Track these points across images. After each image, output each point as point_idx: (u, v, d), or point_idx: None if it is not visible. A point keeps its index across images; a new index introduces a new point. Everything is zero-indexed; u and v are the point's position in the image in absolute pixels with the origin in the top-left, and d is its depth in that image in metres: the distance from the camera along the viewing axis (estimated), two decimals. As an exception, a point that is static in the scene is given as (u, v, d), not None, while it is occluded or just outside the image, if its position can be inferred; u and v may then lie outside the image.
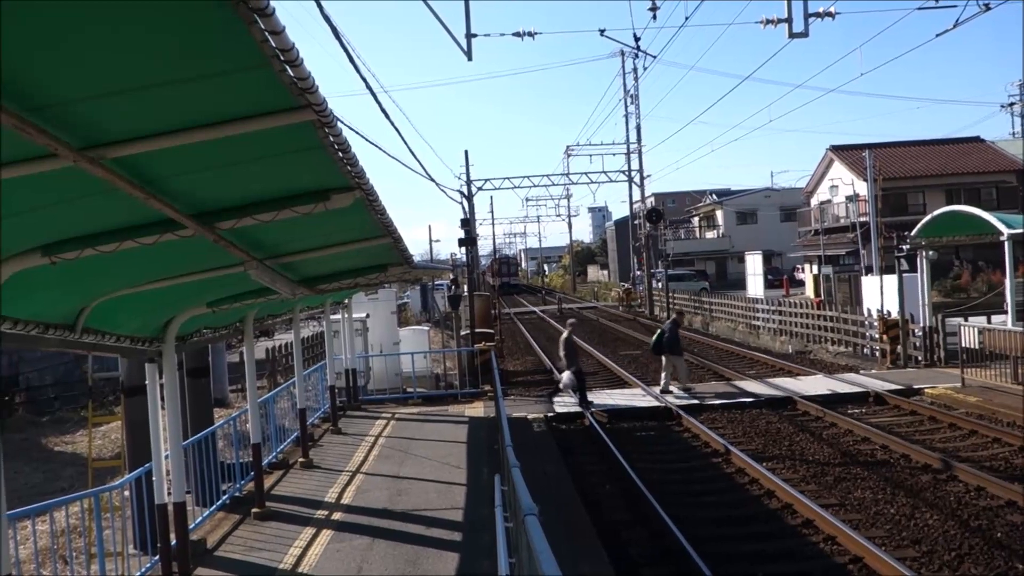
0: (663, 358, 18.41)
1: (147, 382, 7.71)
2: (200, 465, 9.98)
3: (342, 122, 3.56)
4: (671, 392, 17.87)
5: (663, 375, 18.40)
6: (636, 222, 51.66)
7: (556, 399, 18.17)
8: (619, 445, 13.45)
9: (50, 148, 2.88)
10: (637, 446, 14.06)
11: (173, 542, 7.71)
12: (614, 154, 50.21)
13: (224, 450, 11.66)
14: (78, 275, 4.80)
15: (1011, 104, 44.89)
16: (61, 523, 8.44)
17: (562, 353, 17.57)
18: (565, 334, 17.77)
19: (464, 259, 27.88)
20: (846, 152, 46.12)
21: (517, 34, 24.16)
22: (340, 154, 3.85)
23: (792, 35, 17.60)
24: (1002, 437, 12.87)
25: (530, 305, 62.25)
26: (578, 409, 16.83)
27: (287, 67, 2.70)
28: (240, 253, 5.53)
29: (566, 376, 17.28)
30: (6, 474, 4.28)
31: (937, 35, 32.43)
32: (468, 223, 26.29)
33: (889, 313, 21.72)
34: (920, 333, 20.63)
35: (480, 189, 46.45)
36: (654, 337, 18.71)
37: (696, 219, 75.93)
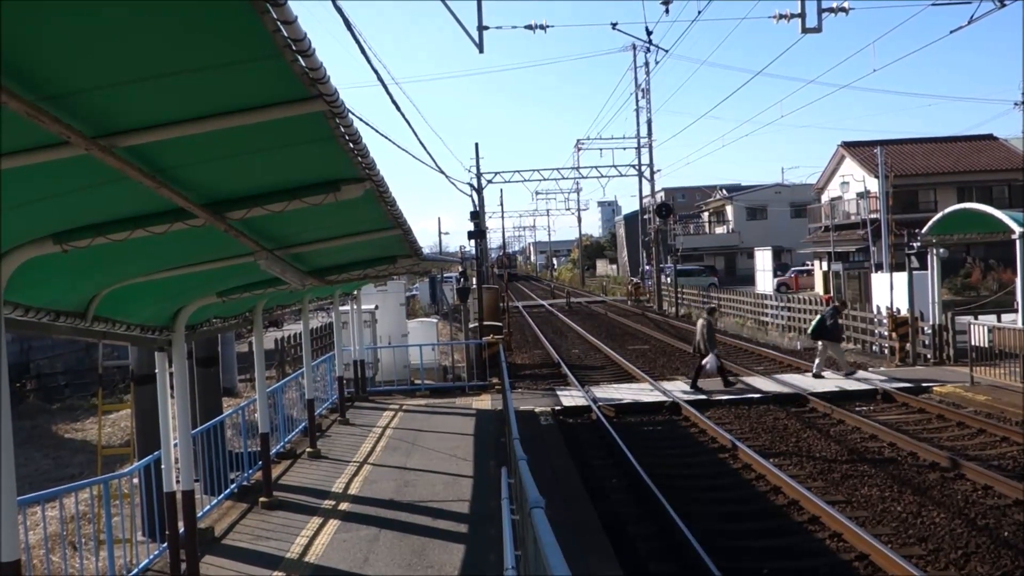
0: (819, 343, 19.08)
1: (157, 371, 7.74)
2: (208, 454, 10.03)
3: (353, 113, 3.56)
4: (823, 377, 18.19)
5: (817, 360, 18.98)
6: (646, 217, 51.53)
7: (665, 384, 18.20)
8: (626, 439, 13.45)
9: (63, 136, 2.89)
10: (644, 441, 14.05)
11: (181, 530, 7.75)
12: (624, 148, 50.13)
13: (232, 439, 11.70)
14: (89, 263, 4.83)
15: (1025, 102, 44.44)
16: (70, 510, 8.48)
17: (700, 337, 18.07)
18: (704, 317, 18.44)
19: (473, 252, 27.89)
20: (858, 148, 45.88)
21: (529, 27, 24.14)
22: (351, 145, 3.85)
23: (805, 30, 17.51)
24: (1010, 436, 12.82)
25: (538, 298, 62.29)
26: (585, 403, 16.83)
27: (299, 57, 2.70)
28: (250, 243, 5.55)
29: (711, 359, 17.68)
30: (16, 460, 4.31)
31: (951, 31, 32.28)
32: (478, 216, 26.30)
33: (899, 311, 21.63)
34: (929, 331, 20.55)
35: (490, 182, 46.31)
36: (814, 322, 19.31)
37: (706, 214, 75.73)
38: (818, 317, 19.37)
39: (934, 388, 16.70)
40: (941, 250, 20.54)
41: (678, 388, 18.16)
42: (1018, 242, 17.53)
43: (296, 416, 14.31)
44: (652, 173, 47.72)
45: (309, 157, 4.34)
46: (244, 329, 19.87)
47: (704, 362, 17.81)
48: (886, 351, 22.18)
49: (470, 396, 17.90)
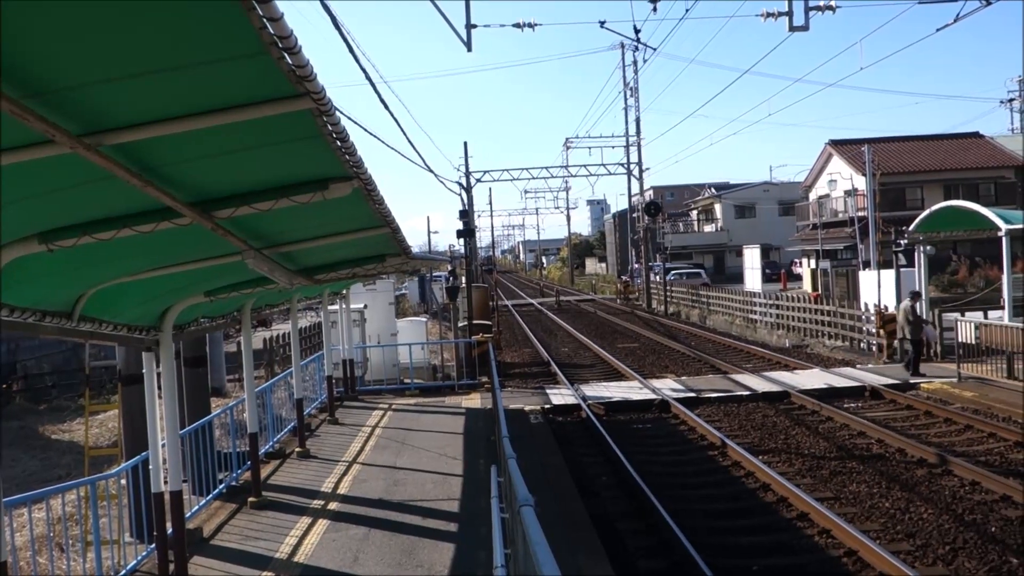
0: None
1: (144, 371, 7.70)
2: (197, 454, 9.98)
3: (341, 112, 3.55)
4: None
5: None
6: (635, 215, 51.60)
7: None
8: (616, 437, 13.46)
9: (48, 134, 2.87)
10: (634, 438, 14.08)
11: (169, 531, 7.71)
12: (613, 147, 50.00)
13: (221, 439, 11.65)
14: (75, 262, 4.79)
15: (1010, 100, 44.97)
16: (58, 511, 8.43)
17: (903, 322, 18.29)
18: (908, 302, 18.41)
19: (462, 250, 27.88)
20: (845, 147, 46.11)
21: (517, 25, 24.08)
22: (338, 143, 3.84)
23: (792, 28, 17.57)
24: (997, 432, 12.90)
25: (527, 297, 62.30)
26: (575, 401, 16.85)
27: (286, 55, 2.69)
28: (238, 242, 5.52)
29: (928, 330, 17.99)
30: (3, 462, 4.28)
31: (937, 30, 32.44)
32: (467, 214, 26.30)
33: (886, 308, 21.74)
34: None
35: (479, 181, 46.40)
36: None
37: (695, 212, 75.89)
38: None
39: (921, 385, 16.79)
40: (928, 247, 20.65)
41: (667, 386, 18.19)
42: (1004, 239, 17.64)
43: (285, 416, 14.26)
44: (641, 171, 47.81)
45: (296, 155, 4.32)
46: (232, 329, 19.83)
47: (923, 334, 18.13)
48: (874, 348, 22.29)
49: (460, 395, 17.89)
